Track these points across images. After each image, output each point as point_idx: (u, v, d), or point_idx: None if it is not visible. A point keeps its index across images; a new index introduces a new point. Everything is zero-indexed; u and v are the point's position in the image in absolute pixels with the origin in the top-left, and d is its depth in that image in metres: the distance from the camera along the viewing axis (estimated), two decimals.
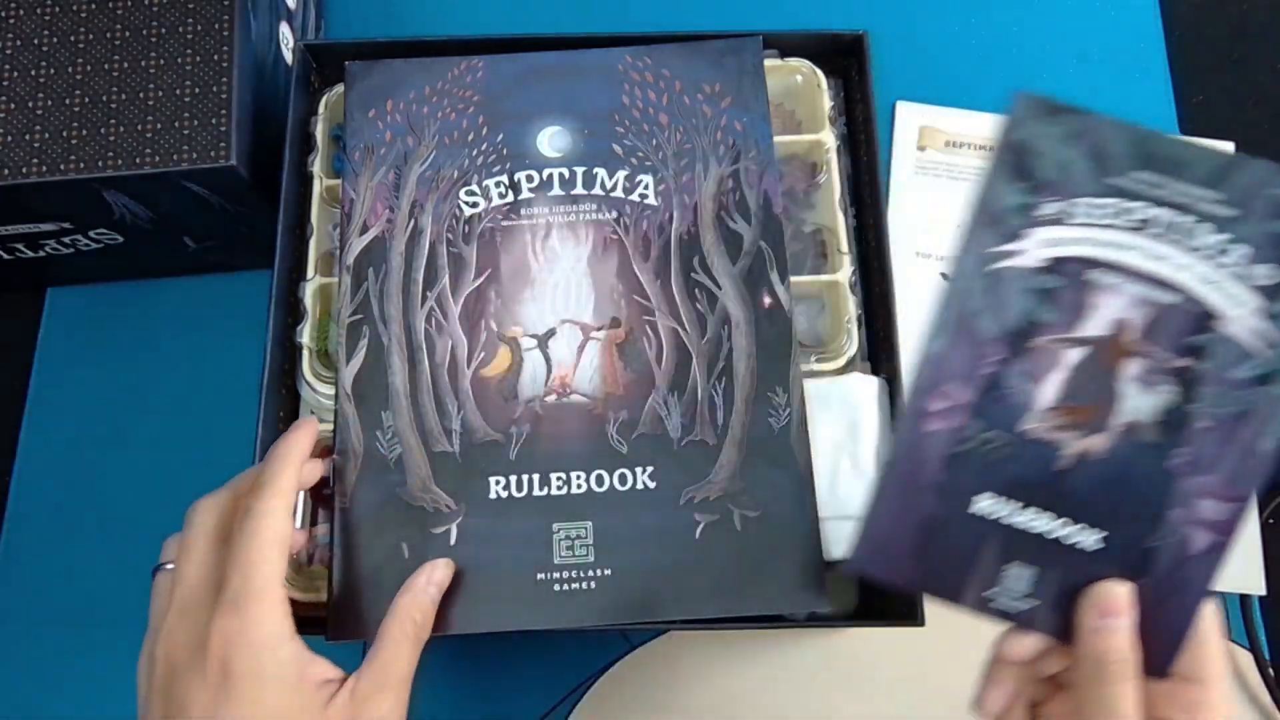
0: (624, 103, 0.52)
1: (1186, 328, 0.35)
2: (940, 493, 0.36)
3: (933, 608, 0.47)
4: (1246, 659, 0.55)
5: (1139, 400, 0.35)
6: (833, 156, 0.54)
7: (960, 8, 0.69)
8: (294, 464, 0.41)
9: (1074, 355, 0.36)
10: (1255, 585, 0.56)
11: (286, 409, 0.51)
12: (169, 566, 0.39)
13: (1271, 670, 0.55)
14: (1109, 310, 0.35)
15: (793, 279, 0.50)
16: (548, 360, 0.48)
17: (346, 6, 0.69)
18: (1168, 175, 0.35)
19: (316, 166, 0.53)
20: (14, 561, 0.58)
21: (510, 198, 0.51)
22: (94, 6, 0.53)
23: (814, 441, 0.47)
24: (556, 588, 0.45)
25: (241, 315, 0.59)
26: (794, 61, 0.56)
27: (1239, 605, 0.56)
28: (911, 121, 0.66)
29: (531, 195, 0.51)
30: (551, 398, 0.48)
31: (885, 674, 0.55)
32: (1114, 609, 0.35)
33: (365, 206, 0.50)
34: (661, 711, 0.55)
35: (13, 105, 0.52)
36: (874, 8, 0.68)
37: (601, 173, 0.51)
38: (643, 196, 0.51)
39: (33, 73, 0.52)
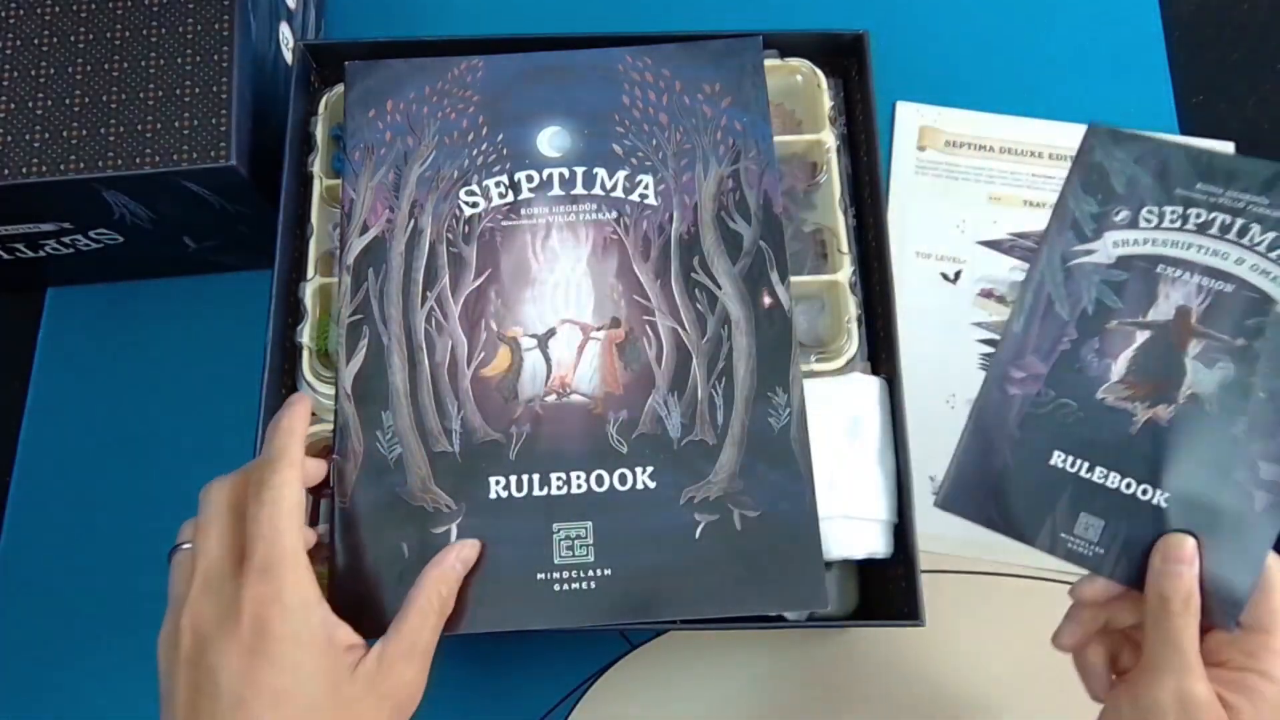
0: (624, 102, 0.52)
1: (1245, 311, 0.41)
2: (1016, 446, 0.43)
3: (933, 608, 0.47)
4: None
5: (1201, 375, 0.41)
6: (833, 156, 0.54)
7: (960, 8, 0.70)
8: (299, 436, 0.42)
9: (1141, 336, 0.42)
10: None
11: None
12: (186, 546, 0.40)
13: None
14: (1173, 298, 0.42)
15: (793, 279, 0.50)
16: (548, 360, 0.48)
17: (346, 6, 0.69)
18: (1223, 185, 0.41)
19: (316, 166, 0.53)
20: (14, 561, 0.58)
21: (510, 198, 0.51)
22: (94, 7, 0.53)
23: (814, 441, 0.47)
24: (557, 588, 0.45)
25: (241, 315, 0.59)
26: (794, 61, 0.56)
27: None
28: (911, 121, 0.66)
29: (531, 195, 0.51)
30: (551, 398, 0.48)
31: (885, 674, 0.55)
32: (1179, 557, 0.39)
33: (365, 206, 0.50)
34: (661, 711, 0.55)
35: (13, 105, 0.52)
36: (874, 8, 0.68)
37: (601, 173, 0.51)
38: (643, 196, 0.51)
39: (33, 73, 0.52)
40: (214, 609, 0.37)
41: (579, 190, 0.51)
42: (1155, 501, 0.41)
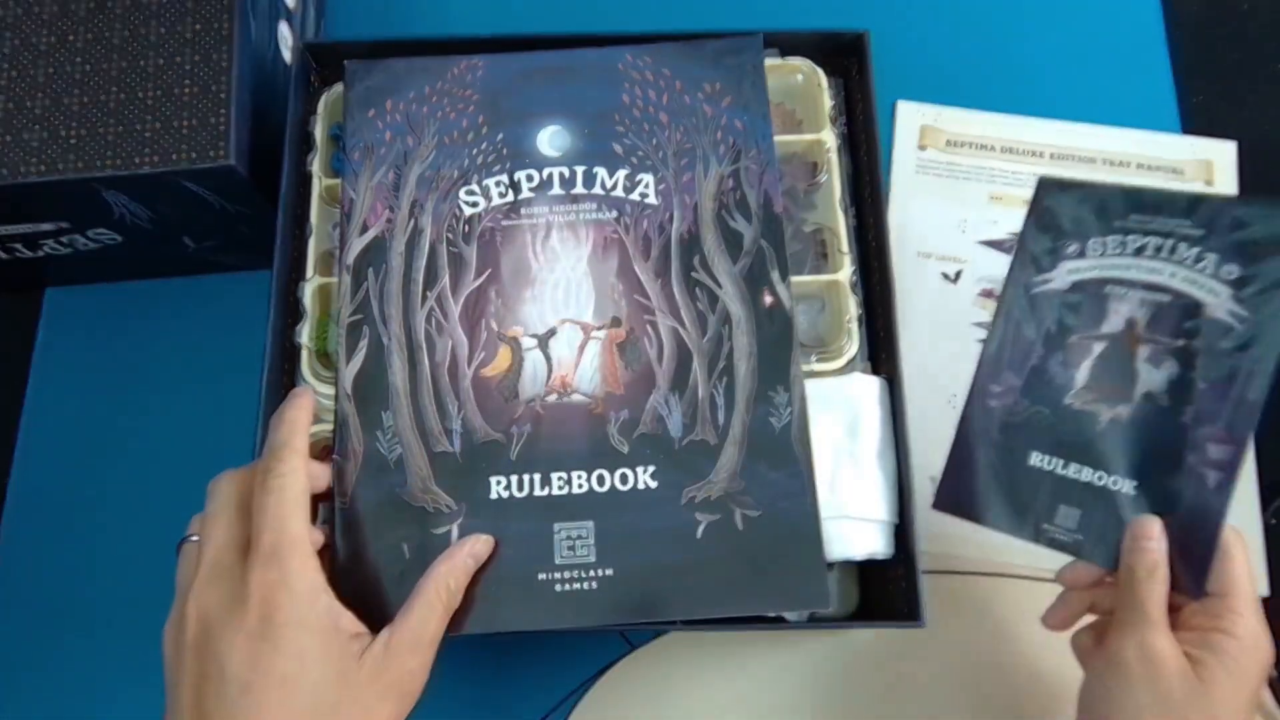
0: (624, 102, 0.52)
1: (1181, 317, 0.47)
2: (999, 450, 0.49)
3: (933, 608, 0.47)
4: None
5: (1151, 375, 0.47)
6: (833, 156, 0.54)
7: (961, 7, 0.69)
8: (303, 427, 0.42)
9: (1098, 347, 0.48)
10: (1257, 585, 0.56)
11: None
12: (194, 539, 0.40)
13: (1274, 670, 0.55)
14: (1121, 313, 0.48)
15: (793, 279, 0.50)
16: (548, 360, 0.48)
17: (346, 6, 0.69)
18: (1152, 214, 0.48)
19: (316, 166, 0.53)
20: (12, 561, 0.58)
21: (510, 197, 0.51)
22: (93, 6, 0.53)
23: (814, 441, 0.47)
24: (558, 588, 0.44)
25: (241, 315, 0.59)
26: (794, 61, 0.56)
27: None
28: (912, 121, 0.66)
29: (532, 195, 0.51)
30: (552, 397, 0.48)
31: (885, 674, 0.55)
32: (1146, 534, 0.44)
33: (365, 206, 0.50)
34: (661, 711, 0.55)
35: (12, 105, 0.51)
36: (874, 8, 0.68)
37: (602, 172, 0.51)
38: (643, 196, 0.51)
39: (32, 72, 0.52)
40: (220, 596, 0.37)
41: (579, 190, 0.51)
42: (1123, 489, 0.46)
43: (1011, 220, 0.63)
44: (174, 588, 0.39)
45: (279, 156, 0.52)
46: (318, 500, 0.45)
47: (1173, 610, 0.44)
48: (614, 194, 0.51)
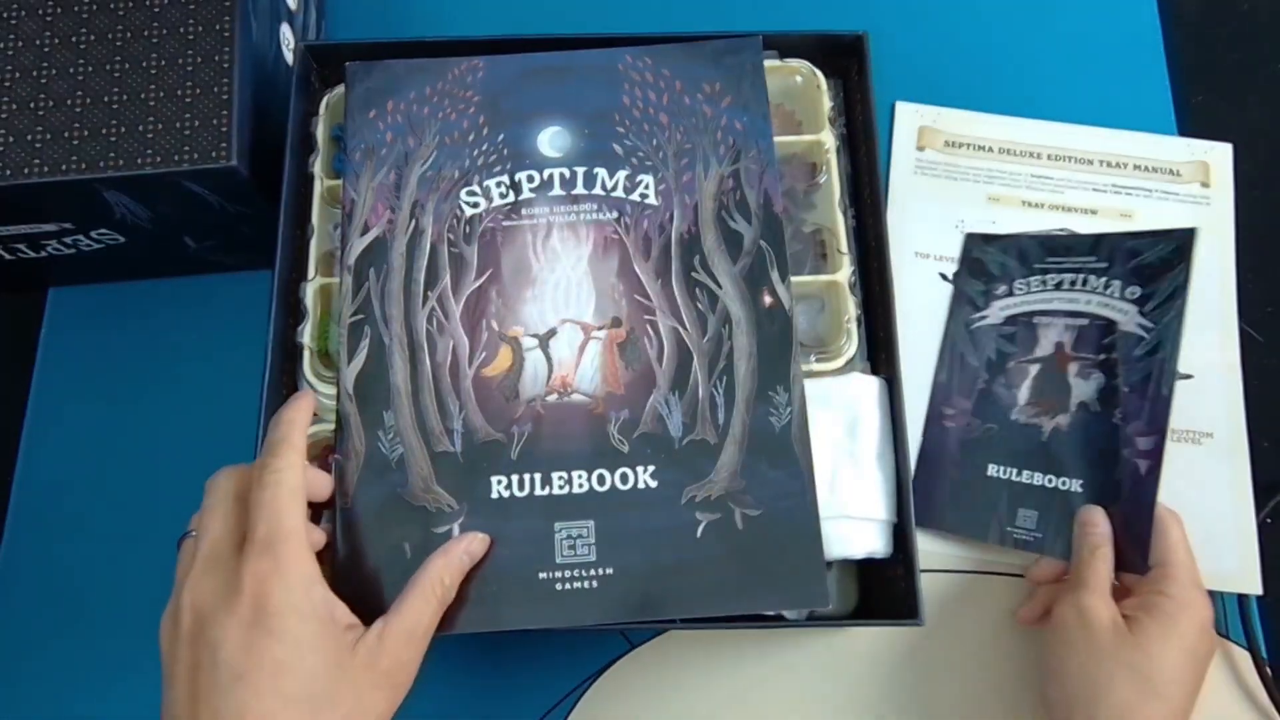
0: (624, 102, 0.52)
1: (1099, 335, 0.56)
2: (959, 466, 0.56)
3: (932, 608, 0.47)
4: (1244, 659, 0.55)
5: (1082, 387, 0.55)
6: (832, 156, 0.54)
7: (960, 8, 0.70)
8: (301, 425, 0.42)
9: (1034, 369, 0.57)
10: (1252, 585, 0.56)
11: None
12: (194, 533, 0.40)
13: (1269, 669, 0.55)
14: (1050, 338, 0.57)
15: (793, 279, 0.50)
16: (549, 360, 0.48)
17: (347, 7, 0.70)
18: (1063, 255, 0.59)
19: (317, 167, 0.53)
20: (15, 561, 0.58)
21: (511, 198, 0.51)
22: (95, 7, 0.53)
23: (814, 441, 0.47)
24: (558, 587, 0.45)
25: (242, 315, 0.59)
26: (794, 62, 0.56)
27: (1237, 605, 0.56)
28: (911, 121, 0.66)
29: (532, 195, 0.51)
30: (553, 397, 0.48)
31: (885, 674, 0.55)
32: (1090, 521, 0.51)
33: (366, 207, 0.51)
34: (661, 711, 0.55)
35: (14, 106, 0.52)
36: (874, 8, 0.68)
37: (602, 172, 0.51)
38: (643, 196, 0.51)
39: (34, 73, 0.52)
40: (214, 586, 0.38)
41: (579, 190, 0.51)
42: (1072, 488, 0.53)
43: (1009, 221, 0.63)
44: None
45: (280, 157, 0.52)
46: (320, 508, 0.45)
47: (1127, 590, 0.50)
48: (614, 194, 0.51)
